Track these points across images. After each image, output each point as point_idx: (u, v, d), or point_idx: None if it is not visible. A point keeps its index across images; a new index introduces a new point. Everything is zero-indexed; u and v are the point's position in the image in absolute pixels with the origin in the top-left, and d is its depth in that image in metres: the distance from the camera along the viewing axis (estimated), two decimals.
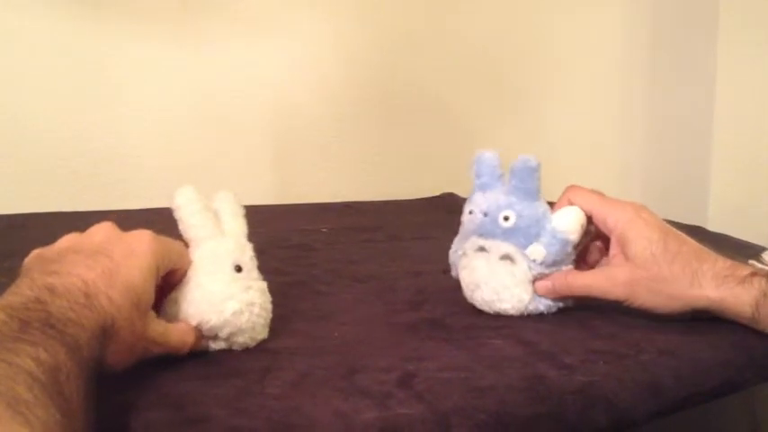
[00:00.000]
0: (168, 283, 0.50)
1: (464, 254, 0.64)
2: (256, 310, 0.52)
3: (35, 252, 0.46)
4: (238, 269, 0.51)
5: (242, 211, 0.55)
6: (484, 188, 0.63)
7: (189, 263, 0.50)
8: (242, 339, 0.51)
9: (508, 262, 0.60)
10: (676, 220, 0.74)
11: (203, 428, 0.40)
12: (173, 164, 1.28)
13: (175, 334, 0.48)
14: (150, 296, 0.45)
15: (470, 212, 0.63)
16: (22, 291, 0.39)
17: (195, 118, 1.30)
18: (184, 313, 0.49)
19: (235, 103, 1.33)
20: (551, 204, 0.63)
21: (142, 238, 0.47)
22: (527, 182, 0.60)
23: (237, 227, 0.54)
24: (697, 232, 0.81)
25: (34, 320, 0.36)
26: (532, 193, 0.61)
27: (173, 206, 0.51)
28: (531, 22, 1.63)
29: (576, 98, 1.70)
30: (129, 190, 1.25)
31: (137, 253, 0.45)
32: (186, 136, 1.30)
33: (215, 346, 0.51)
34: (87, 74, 1.22)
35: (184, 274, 0.50)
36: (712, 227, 1.11)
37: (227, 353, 0.51)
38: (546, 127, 1.65)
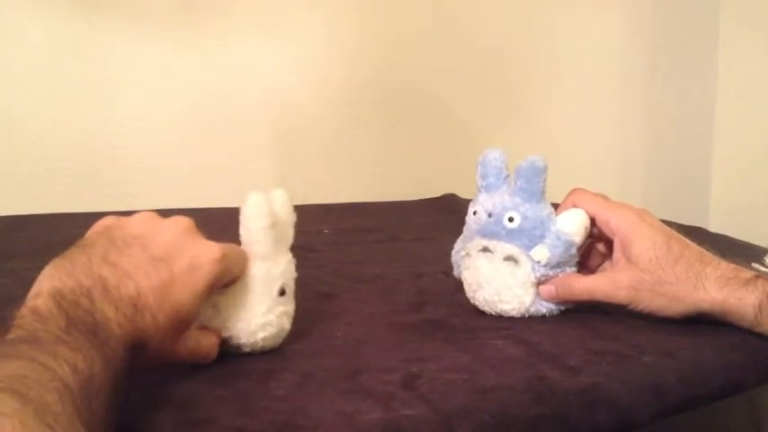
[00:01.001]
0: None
1: (467, 254, 0.63)
2: (283, 333, 0.52)
3: (104, 222, 0.45)
4: (282, 292, 0.51)
5: (293, 219, 0.53)
6: (489, 189, 0.62)
7: (243, 273, 0.49)
8: (259, 352, 0.52)
9: (512, 263, 0.60)
10: (677, 220, 0.75)
11: (208, 429, 0.40)
12: (173, 165, 1.28)
13: (203, 351, 0.48)
14: (194, 316, 0.45)
15: (474, 213, 0.63)
16: (76, 274, 0.39)
17: (196, 119, 1.30)
18: (220, 322, 0.49)
19: (235, 104, 1.33)
20: (555, 206, 0.63)
21: (210, 255, 0.45)
22: (533, 183, 0.60)
23: (288, 238, 0.53)
24: (698, 233, 0.81)
25: (80, 322, 0.36)
26: (537, 195, 0.60)
27: (242, 210, 0.49)
28: (533, 24, 1.63)
29: (577, 99, 1.70)
30: (129, 191, 1.25)
31: (198, 270, 0.44)
32: (187, 137, 1.30)
33: (237, 351, 0.51)
34: (87, 75, 1.22)
35: (235, 280, 0.49)
36: (713, 228, 1.11)
37: (232, 354, 0.51)
38: (547, 128, 1.65)
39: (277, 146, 1.38)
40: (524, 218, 0.60)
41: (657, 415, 0.49)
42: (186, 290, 0.43)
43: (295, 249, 0.90)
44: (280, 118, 1.37)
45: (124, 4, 1.24)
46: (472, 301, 0.63)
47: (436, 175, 1.50)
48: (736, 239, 0.94)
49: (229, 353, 0.51)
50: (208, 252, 0.45)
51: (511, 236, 0.60)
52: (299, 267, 0.80)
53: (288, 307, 0.52)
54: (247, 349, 0.51)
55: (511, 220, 0.60)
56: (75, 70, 1.21)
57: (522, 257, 0.60)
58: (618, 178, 1.76)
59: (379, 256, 0.90)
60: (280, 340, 0.53)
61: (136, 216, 0.46)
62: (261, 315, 0.50)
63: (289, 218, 0.52)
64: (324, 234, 1.04)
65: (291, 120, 1.39)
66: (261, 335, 0.50)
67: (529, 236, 0.60)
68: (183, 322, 0.44)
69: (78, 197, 1.21)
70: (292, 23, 1.38)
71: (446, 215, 1.22)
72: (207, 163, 1.31)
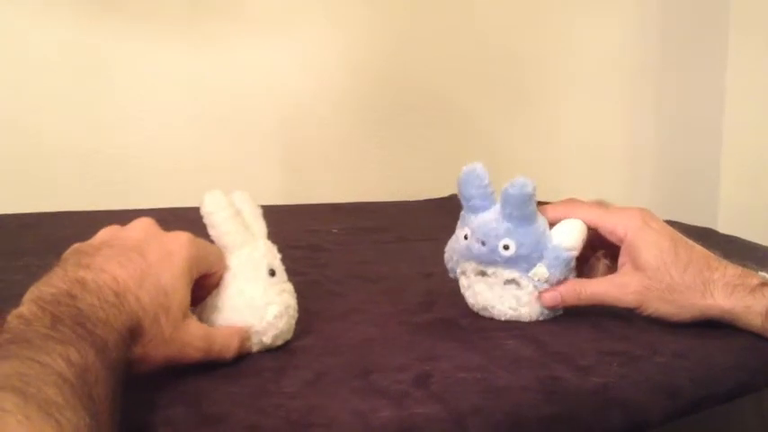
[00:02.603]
0: (203, 287, 0.49)
1: (463, 273, 0.62)
2: (291, 311, 0.53)
3: (73, 246, 0.46)
4: (272, 273, 0.51)
5: (260, 212, 0.55)
6: (476, 211, 0.59)
7: (225, 267, 0.50)
8: (280, 341, 0.52)
9: (513, 286, 0.59)
10: (686, 221, 0.74)
11: (221, 426, 0.40)
12: (181, 164, 1.28)
13: (219, 338, 0.48)
14: (183, 300, 0.45)
15: (465, 237, 0.60)
16: (54, 282, 0.39)
17: (204, 119, 1.31)
18: (226, 320, 0.50)
19: (244, 105, 1.34)
20: (545, 203, 0.61)
21: (179, 241, 0.46)
22: (523, 208, 0.57)
23: (260, 229, 0.54)
24: (707, 235, 0.81)
25: (66, 317, 0.36)
26: (529, 217, 0.58)
27: (202, 212, 0.50)
28: (541, 23, 1.63)
29: (586, 99, 1.69)
30: (141, 190, 1.25)
31: (171, 255, 0.45)
32: (195, 137, 1.30)
33: (255, 349, 0.51)
34: (97, 75, 1.22)
35: (220, 278, 0.50)
36: (721, 228, 1.11)
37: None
38: (555, 129, 1.65)
39: (285, 146, 1.38)
40: (520, 245, 0.57)
41: (669, 415, 0.49)
42: (164, 273, 0.44)
43: (304, 249, 0.91)
44: (287, 118, 1.38)
45: (134, 4, 1.24)
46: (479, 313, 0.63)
47: (444, 175, 1.49)
48: (745, 240, 0.94)
49: None
50: (176, 238, 0.47)
51: (508, 263, 0.58)
52: (307, 266, 0.81)
53: (284, 285, 0.53)
54: (267, 339, 0.51)
55: (506, 248, 0.58)
56: (84, 70, 1.21)
57: (522, 279, 0.59)
58: (627, 179, 1.76)
59: (387, 255, 0.90)
60: (292, 321, 0.53)
61: (99, 232, 0.47)
62: (260, 296, 0.50)
63: (255, 211, 0.54)
64: (332, 234, 1.04)
65: (299, 120, 1.39)
66: (270, 314, 0.50)
67: (527, 260, 0.58)
68: (170, 303, 0.44)
69: (87, 196, 1.21)
70: (300, 24, 1.38)
71: (454, 215, 1.21)
72: (215, 163, 1.31)
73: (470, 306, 0.63)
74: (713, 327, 0.58)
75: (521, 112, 1.62)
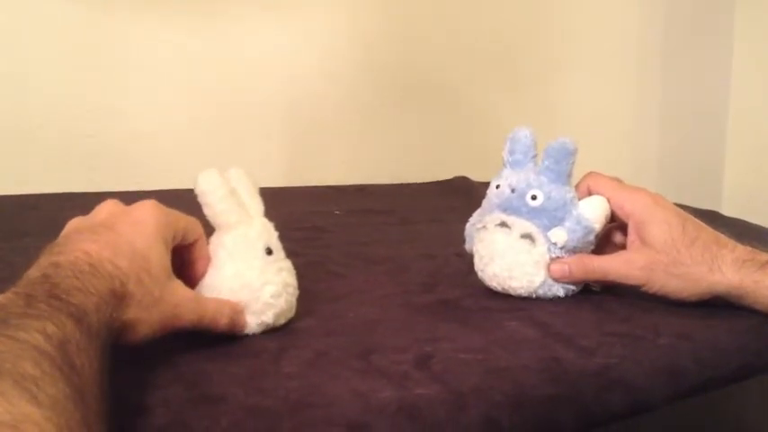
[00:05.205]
0: (191, 262, 0.49)
1: (484, 227, 0.62)
2: (290, 290, 0.52)
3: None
4: (269, 252, 0.51)
5: (256, 189, 0.54)
6: (515, 165, 0.62)
7: (201, 232, 0.50)
8: (282, 320, 0.52)
9: (528, 241, 0.59)
10: (691, 205, 0.74)
11: (220, 407, 0.40)
12: (185, 145, 1.28)
13: (211, 303, 0.48)
14: (162, 260, 0.45)
15: (497, 187, 0.62)
16: (28, 274, 0.39)
17: (209, 100, 1.30)
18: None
19: (249, 86, 1.33)
20: None
21: (144, 208, 0.47)
22: (561, 164, 0.60)
23: (257, 206, 0.53)
24: (712, 217, 0.80)
25: (40, 294, 0.36)
26: (564, 176, 0.60)
27: (197, 191, 0.50)
28: (546, 7, 1.61)
29: (591, 84, 1.68)
30: (141, 171, 1.25)
31: (140, 222, 0.45)
32: (199, 118, 1.30)
33: (258, 329, 0.51)
34: (101, 57, 1.21)
35: (206, 252, 0.50)
36: (727, 212, 1.10)
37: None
38: (560, 113, 1.64)
39: (290, 127, 1.38)
40: (548, 198, 0.59)
41: (672, 397, 0.49)
42: (135, 237, 0.44)
43: (306, 230, 0.91)
44: (293, 100, 1.37)
45: None
46: (480, 274, 0.62)
47: (448, 158, 1.49)
48: (750, 223, 0.93)
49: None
50: (141, 206, 0.47)
51: (531, 214, 0.60)
52: (309, 247, 0.80)
53: (282, 263, 0.52)
54: (267, 318, 0.50)
55: (534, 198, 0.60)
56: (87, 52, 1.21)
57: (539, 237, 0.59)
58: (632, 163, 1.75)
59: (390, 237, 0.90)
60: (292, 299, 0.52)
61: (66, 225, 0.47)
62: (257, 277, 0.50)
63: (251, 188, 0.54)
64: (335, 215, 1.03)
65: (304, 102, 1.38)
66: (267, 294, 0.50)
67: (549, 216, 0.59)
68: (149, 265, 0.43)
69: (89, 178, 1.21)
70: (307, 6, 1.37)
71: (457, 198, 1.21)
72: (219, 145, 1.31)
73: (476, 264, 0.63)
74: (719, 308, 0.57)
75: (526, 98, 1.61)
